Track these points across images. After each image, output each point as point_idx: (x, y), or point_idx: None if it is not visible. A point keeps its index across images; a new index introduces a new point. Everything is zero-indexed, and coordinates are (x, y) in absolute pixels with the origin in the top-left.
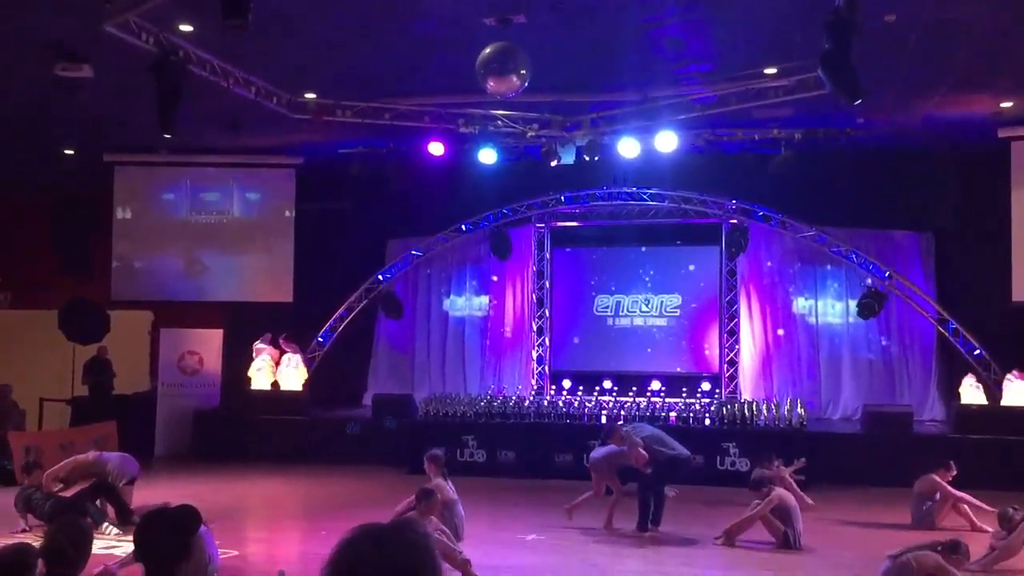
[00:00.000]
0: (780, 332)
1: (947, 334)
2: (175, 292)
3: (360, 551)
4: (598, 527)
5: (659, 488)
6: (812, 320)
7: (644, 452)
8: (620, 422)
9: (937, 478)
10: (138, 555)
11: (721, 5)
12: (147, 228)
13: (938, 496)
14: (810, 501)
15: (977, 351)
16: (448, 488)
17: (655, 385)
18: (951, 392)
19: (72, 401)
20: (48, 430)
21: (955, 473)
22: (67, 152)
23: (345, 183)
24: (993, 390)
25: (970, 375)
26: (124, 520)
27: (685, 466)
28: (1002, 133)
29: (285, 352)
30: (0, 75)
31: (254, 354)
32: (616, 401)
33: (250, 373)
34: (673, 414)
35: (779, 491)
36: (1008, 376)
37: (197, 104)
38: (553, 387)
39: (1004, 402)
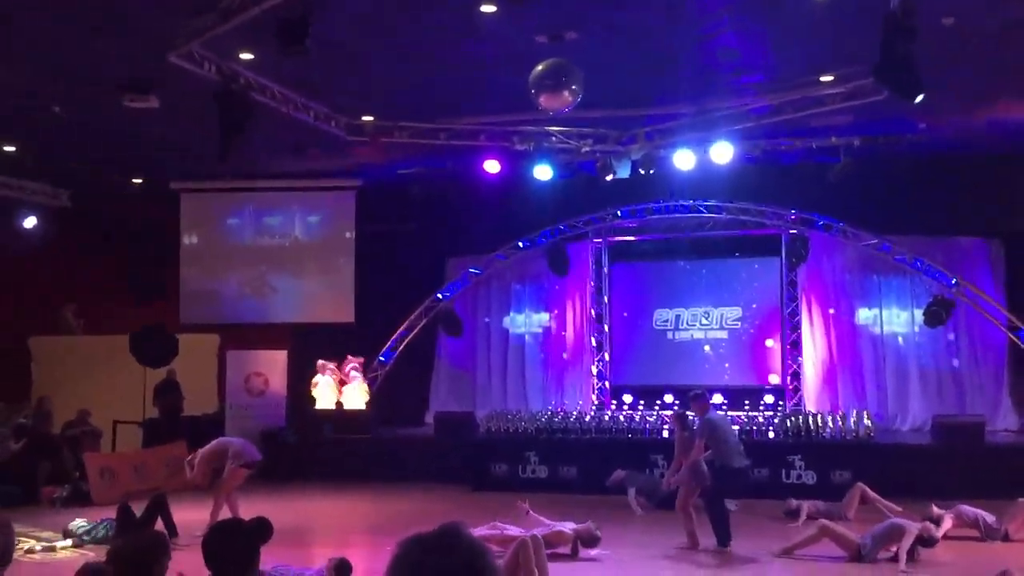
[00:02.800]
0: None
1: (1019, 341)
2: (240, 315)
3: (416, 559)
4: (662, 544)
5: (720, 502)
6: (876, 330)
7: (700, 449)
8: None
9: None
10: (206, 562)
11: (775, 14)
12: (213, 253)
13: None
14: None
15: None
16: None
17: (717, 398)
18: None
19: (144, 423)
20: (122, 452)
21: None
22: (135, 181)
23: (404, 203)
24: None
25: None
26: (171, 535)
27: (740, 477)
28: None
29: (349, 373)
30: (71, 108)
31: (318, 371)
32: None
33: (314, 393)
34: (736, 427)
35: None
36: None
37: (259, 130)
38: (614, 402)
39: None
